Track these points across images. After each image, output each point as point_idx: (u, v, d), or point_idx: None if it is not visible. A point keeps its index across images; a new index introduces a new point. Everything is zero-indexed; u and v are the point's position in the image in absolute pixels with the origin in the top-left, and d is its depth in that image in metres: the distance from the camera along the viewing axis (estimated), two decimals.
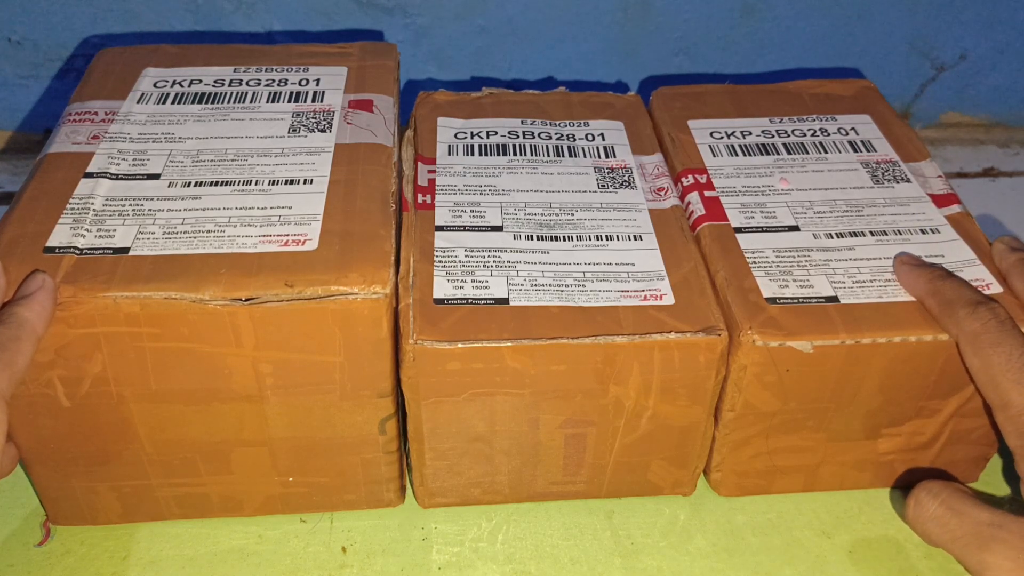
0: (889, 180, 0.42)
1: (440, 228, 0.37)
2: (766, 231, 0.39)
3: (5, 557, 0.37)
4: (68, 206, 0.35)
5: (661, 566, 0.37)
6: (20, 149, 0.62)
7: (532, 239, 0.37)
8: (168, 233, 0.34)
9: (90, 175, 0.37)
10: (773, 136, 0.45)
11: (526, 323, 0.33)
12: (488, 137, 0.43)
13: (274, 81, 0.43)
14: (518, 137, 0.43)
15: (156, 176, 0.37)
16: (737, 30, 0.61)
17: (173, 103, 0.41)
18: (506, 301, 0.34)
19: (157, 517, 0.38)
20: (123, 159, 0.38)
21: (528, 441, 0.36)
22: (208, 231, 0.34)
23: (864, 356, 0.34)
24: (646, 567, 0.37)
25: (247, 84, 0.43)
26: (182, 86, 0.43)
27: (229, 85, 0.43)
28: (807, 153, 0.43)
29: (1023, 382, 0.32)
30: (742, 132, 0.45)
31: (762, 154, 0.43)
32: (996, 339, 0.33)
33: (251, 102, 0.42)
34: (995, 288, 0.36)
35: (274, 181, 0.37)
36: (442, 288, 0.35)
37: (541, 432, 0.36)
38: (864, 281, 0.36)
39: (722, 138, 0.44)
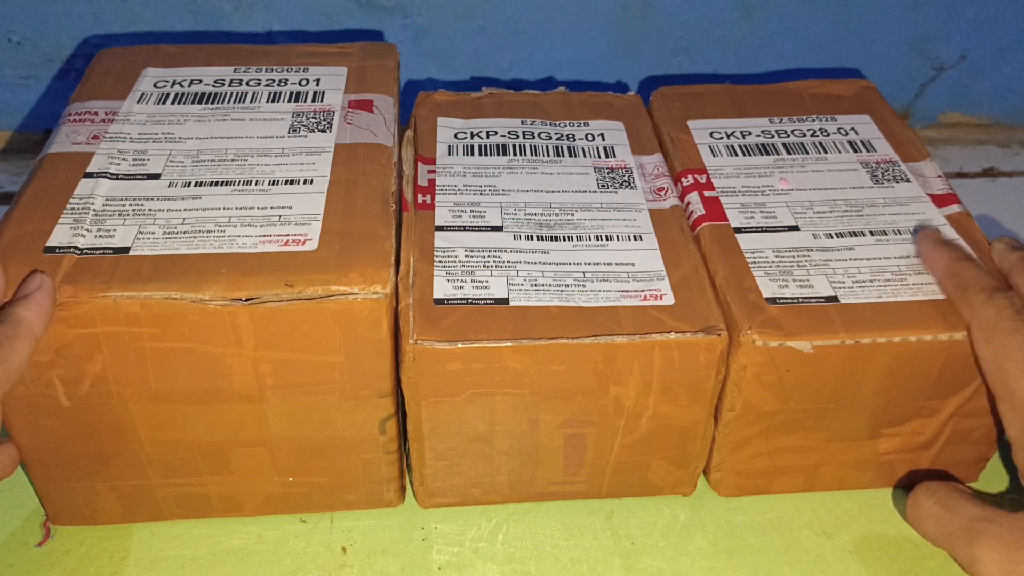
0: (889, 180, 0.42)
1: (440, 228, 0.37)
2: (766, 231, 0.39)
3: (5, 557, 0.37)
4: (68, 206, 0.35)
5: (661, 566, 0.37)
6: (20, 149, 0.62)
7: (532, 239, 0.37)
8: (168, 233, 0.34)
9: (90, 175, 0.37)
10: (773, 136, 0.45)
11: (526, 323, 0.33)
12: (488, 137, 0.43)
13: (274, 81, 0.43)
14: (518, 137, 0.43)
15: (156, 176, 0.37)
16: (737, 30, 0.61)
17: (173, 103, 0.41)
18: (506, 301, 0.34)
19: (157, 517, 0.38)
20: (123, 159, 0.38)
21: (528, 441, 0.36)
22: (208, 231, 0.34)
23: (864, 356, 0.34)
24: (646, 567, 0.37)
25: (247, 84, 0.43)
26: (182, 86, 0.43)
27: (229, 85, 0.43)
28: (807, 153, 0.44)
29: None
30: (742, 132, 0.45)
31: (762, 154, 0.43)
32: (1010, 328, 0.32)
33: (251, 102, 0.42)
34: None
35: (274, 181, 0.37)
36: (442, 288, 0.35)
37: (541, 432, 0.36)
38: (864, 281, 0.36)
39: (722, 138, 0.44)
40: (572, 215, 0.39)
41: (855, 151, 0.44)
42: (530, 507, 0.39)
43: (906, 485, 0.36)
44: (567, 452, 0.37)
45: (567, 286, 0.35)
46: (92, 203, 0.35)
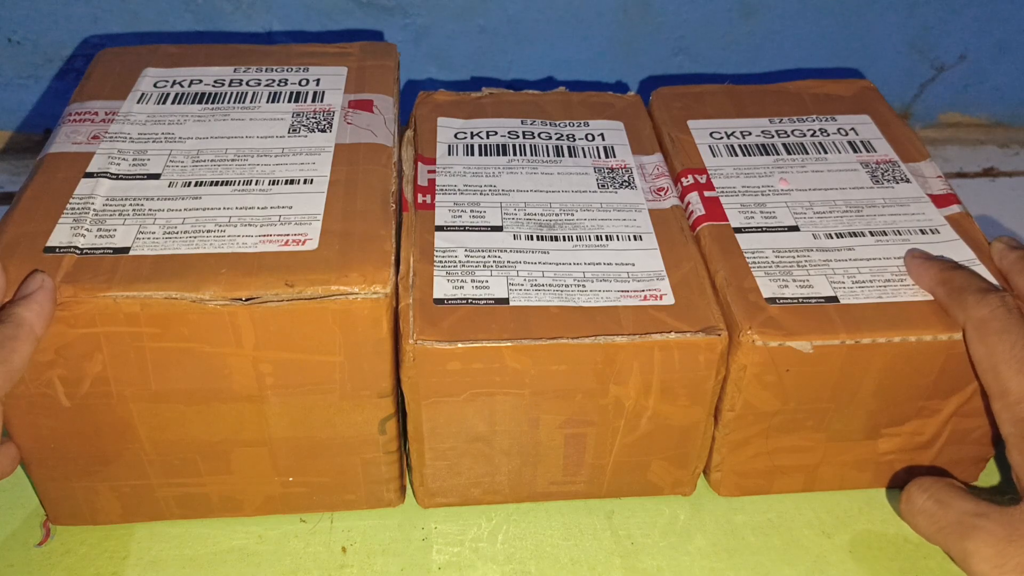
0: (889, 180, 0.42)
1: (440, 228, 0.37)
2: (766, 231, 0.39)
3: (5, 557, 0.37)
4: (68, 206, 0.35)
5: (661, 566, 0.37)
6: (20, 149, 0.62)
7: (532, 239, 0.37)
8: (168, 233, 0.34)
9: (90, 175, 0.37)
10: (773, 136, 0.45)
11: (526, 323, 0.33)
12: (488, 137, 0.43)
13: (274, 81, 0.43)
14: (518, 137, 0.43)
15: (156, 176, 0.37)
16: (737, 30, 0.61)
17: (173, 103, 0.41)
18: (506, 301, 0.34)
19: (157, 517, 0.38)
20: (123, 159, 0.38)
21: (528, 441, 0.36)
22: (208, 231, 0.34)
23: (864, 356, 0.34)
24: (646, 567, 0.37)
25: (247, 84, 0.43)
26: (182, 86, 0.43)
27: (229, 85, 0.43)
28: (807, 153, 0.44)
29: None
30: (742, 132, 0.45)
31: (762, 154, 0.43)
32: (1002, 326, 0.33)
33: (251, 102, 0.42)
34: None
35: (274, 181, 0.37)
36: (442, 288, 0.35)
37: (541, 432, 0.36)
38: (864, 281, 0.36)
39: (722, 138, 0.44)
40: (572, 215, 0.39)
41: (855, 151, 0.44)
42: (530, 507, 0.39)
43: (905, 485, 0.36)
44: (567, 452, 0.37)
45: (567, 286, 0.35)
46: (92, 203, 0.35)
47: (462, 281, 0.35)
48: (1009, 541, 0.30)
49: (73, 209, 0.35)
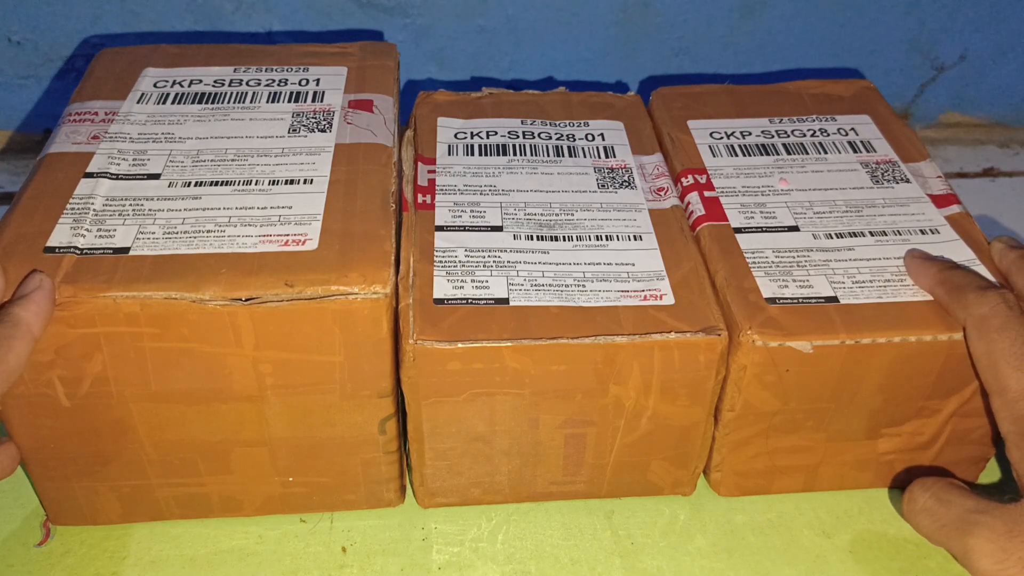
0: (889, 180, 0.42)
1: (440, 228, 0.37)
2: (766, 231, 0.39)
3: (5, 557, 0.37)
4: (68, 206, 0.35)
5: (661, 566, 0.37)
6: (20, 149, 0.62)
7: (532, 239, 0.37)
8: (168, 233, 0.34)
9: (90, 175, 0.37)
10: (773, 136, 0.45)
11: (526, 323, 0.33)
12: (488, 137, 0.43)
13: (274, 81, 0.43)
14: (518, 137, 0.43)
15: (156, 176, 0.37)
16: (737, 30, 0.61)
17: (173, 103, 0.41)
18: (506, 301, 0.34)
19: (157, 517, 0.38)
20: (123, 159, 0.38)
21: (528, 441, 0.36)
22: (208, 231, 0.34)
23: (864, 356, 0.34)
24: (646, 567, 0.37)
25: (247, 84, 0.43)
26: (182, 86, 0.43)
27: (229, 85, 0.43)
28: (807, 153, 0.44)
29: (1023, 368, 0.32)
30: (742, 132, 0.45)
31: (762, 154, 0.43)
32: (1002, 323, 0.33)
33: (251, 102, 0.42)
34: None
35: (274, 181, 0.37)
36: (442, 288, 0.35)
37: (541, 432, 0.36)
38: (864, 281, 0.36)
39: (722, 138, 0.44)
40: (572, 215, 0.39)
41: (855, 151, 0.44)
42: (530, 507, 0.39)
43: (906, 485, 0.36)
44: (567, 452, 0.37)
45: (567, 286, 0.35)
46: (92, 203, 0.35)
47: (462, 281, 0.35)
48: (1010, 537, 0.31)
49: (73, 209, 0.35)
